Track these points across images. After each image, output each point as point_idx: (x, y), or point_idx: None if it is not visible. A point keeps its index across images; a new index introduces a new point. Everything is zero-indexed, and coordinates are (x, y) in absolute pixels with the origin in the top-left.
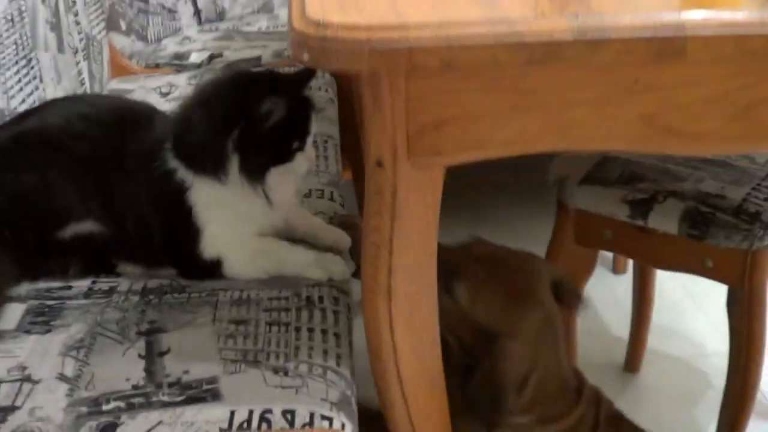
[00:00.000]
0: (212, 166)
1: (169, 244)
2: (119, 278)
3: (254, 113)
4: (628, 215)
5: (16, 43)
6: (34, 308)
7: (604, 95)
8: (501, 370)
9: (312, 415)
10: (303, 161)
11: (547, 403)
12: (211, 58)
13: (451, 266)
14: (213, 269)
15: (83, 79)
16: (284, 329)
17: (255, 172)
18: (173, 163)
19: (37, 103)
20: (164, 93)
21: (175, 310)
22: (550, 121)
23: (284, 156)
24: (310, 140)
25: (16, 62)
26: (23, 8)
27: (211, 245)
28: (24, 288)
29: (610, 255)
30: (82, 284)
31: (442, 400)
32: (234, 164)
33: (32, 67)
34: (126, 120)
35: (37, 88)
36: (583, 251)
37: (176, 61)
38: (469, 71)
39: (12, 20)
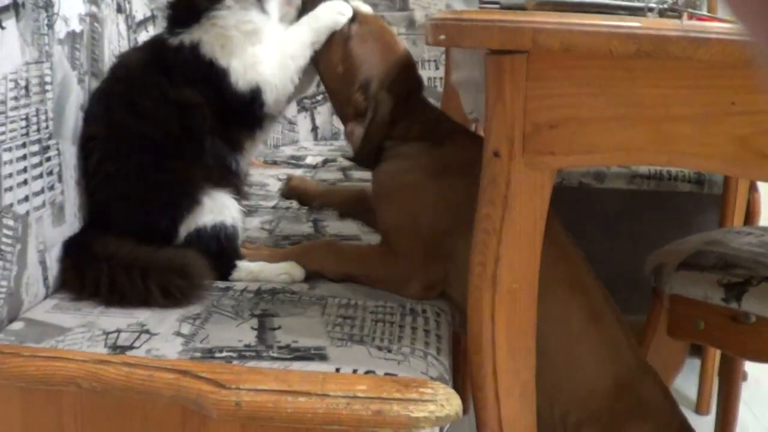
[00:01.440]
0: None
1: (221, 111)
2: (234, 282)
3: None
4: (722, 298)
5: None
6: None
7: (704, 113)
8: (379, 117)
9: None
10: None
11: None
12: (326, 161)
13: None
14: (258, 98)
15: None
16: (389, 325)
17: None
18: (175, 40)
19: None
20: (280, 179)
21: (286, 305)
22: (653, 133)
23: None
24: None
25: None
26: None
27: (242, 76)
28: None
29: (693, 394)
30: None
31: (531, 417)
32: None
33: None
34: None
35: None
36: (673, 345)
37: (293, 161)
38: (584, 78)
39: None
